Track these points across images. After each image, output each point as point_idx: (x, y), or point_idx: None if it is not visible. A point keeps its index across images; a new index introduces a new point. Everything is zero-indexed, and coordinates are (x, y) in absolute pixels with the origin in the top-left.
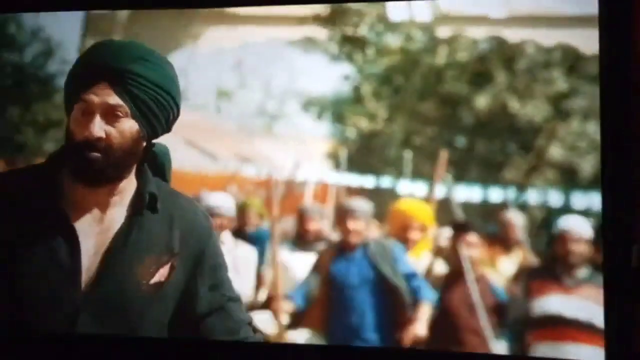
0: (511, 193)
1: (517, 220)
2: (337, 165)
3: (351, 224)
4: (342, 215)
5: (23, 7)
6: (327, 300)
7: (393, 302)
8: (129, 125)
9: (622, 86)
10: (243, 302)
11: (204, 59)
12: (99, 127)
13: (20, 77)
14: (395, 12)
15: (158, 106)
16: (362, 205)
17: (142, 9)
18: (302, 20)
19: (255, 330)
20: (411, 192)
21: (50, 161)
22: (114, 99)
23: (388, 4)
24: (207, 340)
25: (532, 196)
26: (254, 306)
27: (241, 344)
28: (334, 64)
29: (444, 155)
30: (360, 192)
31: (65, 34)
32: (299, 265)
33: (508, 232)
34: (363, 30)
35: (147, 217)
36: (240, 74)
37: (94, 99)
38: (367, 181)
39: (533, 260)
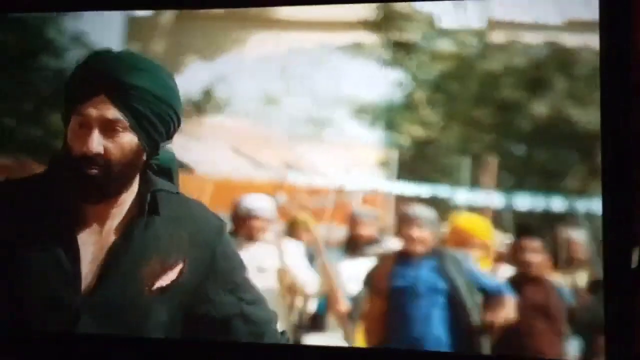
0: (572, 202)
1: (577, 237)
2: (389, 173)
3: (416, 232)
4: (406, 222)
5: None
6: (382, 309)
7: (460, 315)
8: (129, 139)
9: (622, 86)
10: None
11: (250, 65)
12: (97, 143)
13: (61, 83)
14: (446, 18)
15: (158, 119)
16: (427, 213)
17: (187, 9)
18: (350, 26)
19: (282, 332)
20: (468, 201)
21: (49, 172)
22: (113, 113)
23: (439, 9)
24: (212, 342)
25: (595, 205)
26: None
27: (255, 345)
28: (384, 69)
29: (493, 162)
30: (415, 201)
31: (107, 39)
32: (349, 271)
33: (569, 251)
34: (414, 36)
35: (151, 220)
36: (287, 80)
37: (92, 112)
38: (422, 190)
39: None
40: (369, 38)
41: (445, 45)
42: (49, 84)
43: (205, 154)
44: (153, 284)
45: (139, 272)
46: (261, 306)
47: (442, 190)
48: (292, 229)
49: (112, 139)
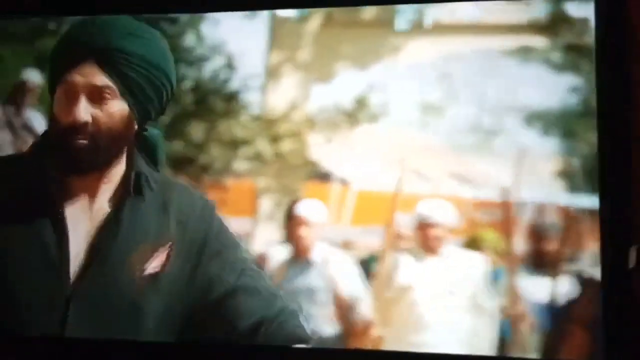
0: None
1: None
2: (569, 184)
3: None
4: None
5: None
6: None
7: None
8: (119, 107)
9: (621, 84)
10: None
11: (405, 72)
12: (84, 111)
13: (202, 94)
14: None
15: (150, 85)
16: None
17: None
18: (514, 29)
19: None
20: None
21: (34, 149)
22: (101, 80)
23: None
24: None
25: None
26: None
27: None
28: (557, 74)
29: None
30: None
31: (249, 48)
32: (534, 290)
33: None
34: (588, 39)
35: (138, 203)
36: (446, 87)
37: (79, 79)
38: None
39: None
40: (539, 41)
41: None
42: (188, 94)
43: (359, 165)
44: (143, 271)
45: (128, 258)
46: (263, 277)
47: None
48: (474, 244)
49: (100, 107)
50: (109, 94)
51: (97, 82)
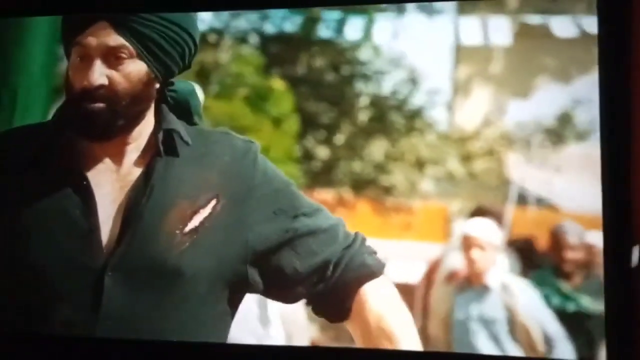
0: None
1: None
2: None
3: None
4: None
5: None
6: None
7: None
8: (136, 68)
9: (621, 85)
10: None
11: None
12: (99, 73)
13: (381, 110)
14: None
15: (168, 42)
16: None
17: None
18: None
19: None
20: None
21: (55, 116)
22: (115, 39)
23: None
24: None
25: None
26: None
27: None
28: None
29: None
30: None
31: (433, 62)
32: None
33: None
34: None
35: (171, 161)
36: None
37: (92, 41)
38: None
39: None
40: None
41: None
42: (364, 111)
43: (569, 187)
44: (184, 228)
45: (164, 220)
46: (322, 213)
47: None
48: None
49: (116, 69)
50: (124, 53)
51: (111, 43)
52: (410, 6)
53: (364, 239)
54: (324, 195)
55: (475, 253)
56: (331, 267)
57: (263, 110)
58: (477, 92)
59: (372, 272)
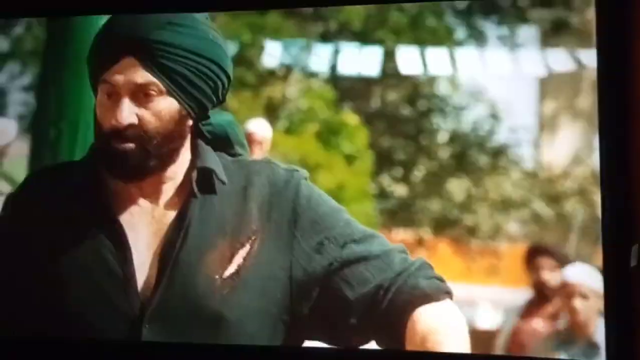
0: None
1: None
2: None
3: None
4: None
5: None
6: None
7: None
8: (167, 105)
9: (620, 85)
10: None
11: None
12: (128, 112)
13: (461, 147)
14: None
15: (198, 76)
16: None
17: None
18: None
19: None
20: None
21: (89, 155)
22: (143, 76)
23: None
24: None
25: None
26: None
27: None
28: None
29: None
30: None
31: (517, 98)
32: None
33: None
34: None
35: (209, 200)
36: None
37: (119, 79)
38: None
39: None
40: None
41: None
42: (443, 148)
43: None
44: (224, 272)
45: (203, 262)
46: (377, 239)
47: None
48: None
49: (146, 107)
50: (153, 90)
51: (139, 80)
52: (490, 39)
53: (425, 264)
54: (402, 235)
55: (577, 302)
56: (382, 292)
57: (335, 146)
58: (565, 129)
59: (426, 294)
